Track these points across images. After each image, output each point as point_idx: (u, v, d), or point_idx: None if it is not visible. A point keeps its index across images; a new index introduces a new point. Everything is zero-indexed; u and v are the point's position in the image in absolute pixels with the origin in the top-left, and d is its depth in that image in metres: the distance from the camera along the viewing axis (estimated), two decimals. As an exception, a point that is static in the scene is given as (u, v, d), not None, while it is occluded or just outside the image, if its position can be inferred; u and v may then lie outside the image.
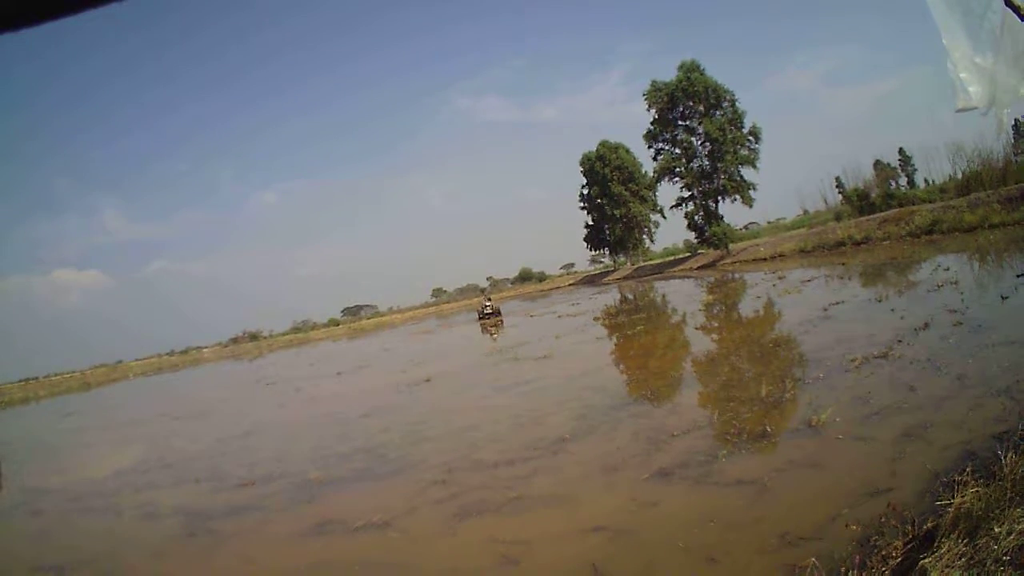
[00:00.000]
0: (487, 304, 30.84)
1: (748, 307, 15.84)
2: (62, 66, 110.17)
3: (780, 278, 20.24)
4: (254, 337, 68.86)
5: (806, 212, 46.31)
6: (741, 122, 41.72)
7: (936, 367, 6.38)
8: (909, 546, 3.16)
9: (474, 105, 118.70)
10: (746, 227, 56.72)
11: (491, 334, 23.02)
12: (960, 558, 2.70)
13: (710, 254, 43.14)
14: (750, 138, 41.66)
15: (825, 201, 41.44)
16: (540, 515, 4.87)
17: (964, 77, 1.93)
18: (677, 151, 44.01)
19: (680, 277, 37.47)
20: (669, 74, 43.67)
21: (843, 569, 3.12)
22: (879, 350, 7.47)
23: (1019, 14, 1.91)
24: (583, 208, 59.11)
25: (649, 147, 45.47)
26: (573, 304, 30.48)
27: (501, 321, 28.56)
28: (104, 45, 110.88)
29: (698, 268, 40.96)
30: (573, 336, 16.59)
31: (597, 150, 56.57)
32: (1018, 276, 10.48)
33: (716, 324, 14.47)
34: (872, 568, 3.11)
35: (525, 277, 75.72)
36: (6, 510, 9.30)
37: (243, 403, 16.97)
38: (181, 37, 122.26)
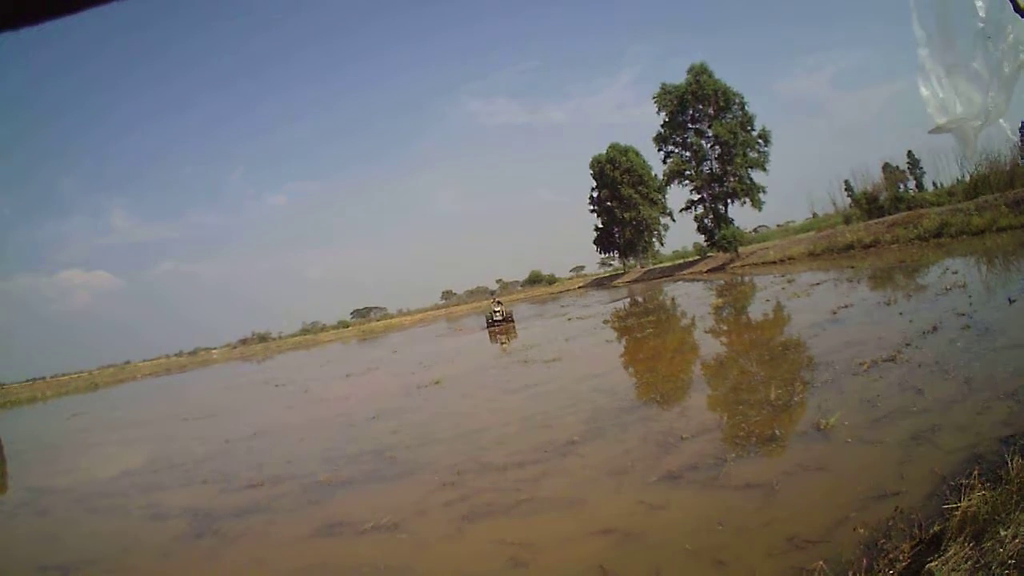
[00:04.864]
0: (496, 310, 26.88)
1: (757, 310, 15.82)
2: (69, 64, 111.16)
3: (789, 281, 20.17)
4: (263, 339, 68.98)
5: (815, 215, 46.33)
6: (751, 125, 41.68)
7: (944, 370, 6.36)
8: (916, 549, 3.17)
9: (483, 107, 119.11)
10: (755, 230, 56.57)
11: (501, 342, 21.05)
12: (966, 561, 2.72)
13: (719, 257, 43.03)
14: (760, 141, 41.60)
15: (834, 204, 41.36)
16: (549, 517, 4.90)
17: (943, 96, 1.90)
18: (687, 154, 43.97)
19: (690, 280, 37.40)
20: (679, 77, 43.75)
21: (850, 572, 3.14)
22: (887, 353, 7.44)
23: (1020, 11, 1.89)
24: (593, 211, 59.17)
25: (659, 150, 45.52)
26: (583, 307, 30.47)
27: (513, 328, 25.09)
28: (112, 43, 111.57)
29: (708, 271, 40.87)
30: (583, 339, 16.60)
31: (607, 153, 56.56)
32: None
33: (725, 327, 14.43)
34: (879, 571, 3.12)
35: (535, 280, 75.57)
36: (12, 510, 9.40)
37: (251, 404, 17.06)
38: (190, 35, 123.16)
